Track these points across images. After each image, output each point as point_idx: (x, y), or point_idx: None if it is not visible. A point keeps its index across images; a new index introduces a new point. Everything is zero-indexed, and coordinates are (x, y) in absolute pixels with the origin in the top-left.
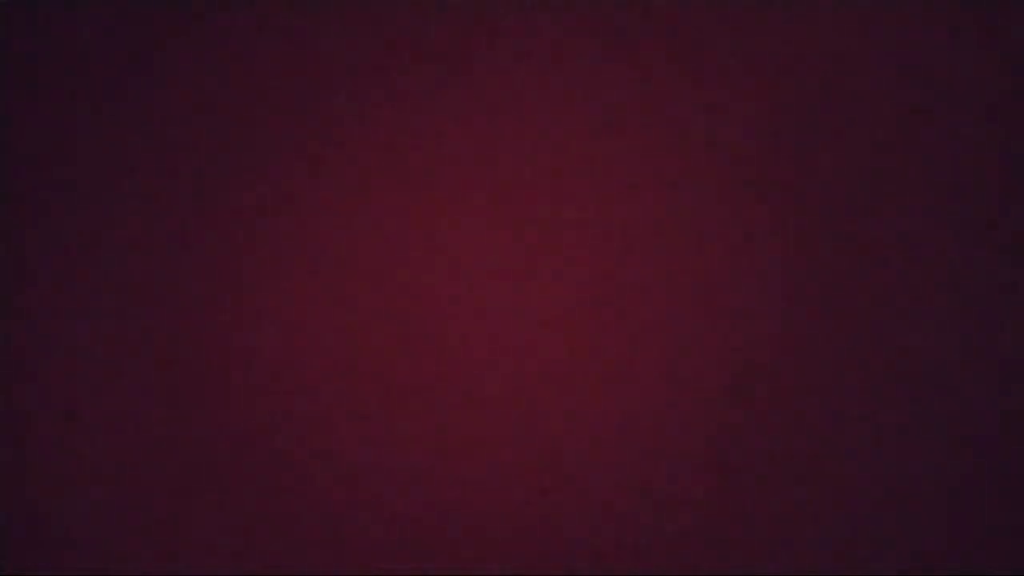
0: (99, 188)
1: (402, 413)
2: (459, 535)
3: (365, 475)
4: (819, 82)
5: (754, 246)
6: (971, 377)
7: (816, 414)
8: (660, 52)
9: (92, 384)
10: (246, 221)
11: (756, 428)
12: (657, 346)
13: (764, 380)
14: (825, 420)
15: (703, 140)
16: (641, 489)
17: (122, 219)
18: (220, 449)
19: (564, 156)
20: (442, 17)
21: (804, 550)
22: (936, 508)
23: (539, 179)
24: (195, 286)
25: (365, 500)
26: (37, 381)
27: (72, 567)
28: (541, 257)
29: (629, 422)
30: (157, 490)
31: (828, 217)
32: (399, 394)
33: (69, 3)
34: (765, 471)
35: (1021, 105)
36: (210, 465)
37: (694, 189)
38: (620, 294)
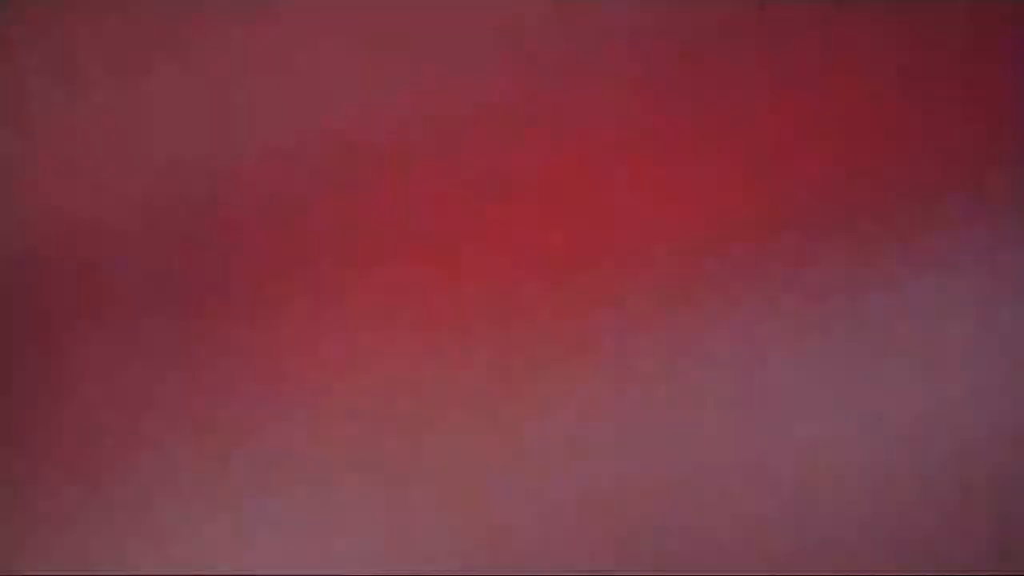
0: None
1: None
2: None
3: (365, 475)
4: (855, 94)
5: (768, 253)
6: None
7: (825, 416)
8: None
9: (89, 382)
10: (247, 221)
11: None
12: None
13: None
14: (832, 422)
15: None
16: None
17: (120, 216)
18: (220, 447)
19: (588, 164)
20: (457, 20)
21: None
22: (943, 518)
23: (554, 185)
24: (196, 284)
25: (365, 500)
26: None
27: (71, 566)
28: (555, 266)
29: (641, 433)
30: (156, 489)
31: (846, 226)
32: (405, 395)
33: (69, 3)
34: (771, 476)
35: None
36: (210, 463)
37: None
38: (622, 303)
